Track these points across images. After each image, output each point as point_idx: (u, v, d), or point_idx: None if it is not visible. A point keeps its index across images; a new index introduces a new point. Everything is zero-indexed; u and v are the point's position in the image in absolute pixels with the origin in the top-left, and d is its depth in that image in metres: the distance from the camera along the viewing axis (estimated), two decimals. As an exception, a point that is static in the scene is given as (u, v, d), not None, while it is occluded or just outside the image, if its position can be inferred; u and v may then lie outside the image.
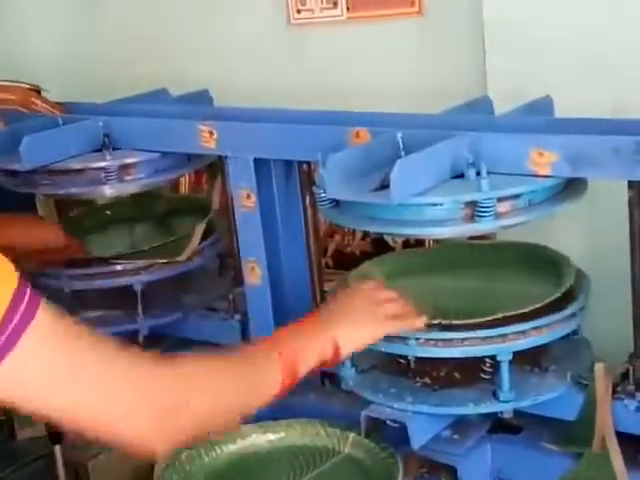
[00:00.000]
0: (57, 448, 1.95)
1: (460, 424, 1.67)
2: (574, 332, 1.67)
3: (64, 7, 2.87)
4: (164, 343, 2.17)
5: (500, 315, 1.55)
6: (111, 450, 1.83)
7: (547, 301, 1.57)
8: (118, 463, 2.02)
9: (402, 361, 1.70)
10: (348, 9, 2.33)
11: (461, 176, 1.53)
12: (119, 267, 2.00)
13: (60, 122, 2.02)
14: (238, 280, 1.99)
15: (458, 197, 1.47)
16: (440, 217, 1.49)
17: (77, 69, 2.85)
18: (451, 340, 1.55)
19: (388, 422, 1.60)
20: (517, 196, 1.49)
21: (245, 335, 1.99)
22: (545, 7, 1.94)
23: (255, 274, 1.88)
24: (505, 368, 1.56)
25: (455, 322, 1.56)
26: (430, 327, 1.56)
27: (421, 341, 1.57)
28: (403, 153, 1.56)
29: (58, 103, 2.17)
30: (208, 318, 2.08)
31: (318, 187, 1.56)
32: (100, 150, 1.95)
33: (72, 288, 2.03)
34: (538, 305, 1.56)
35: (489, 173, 1.47)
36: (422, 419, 1.59)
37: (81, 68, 2.84)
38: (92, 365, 1.16)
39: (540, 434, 1.65)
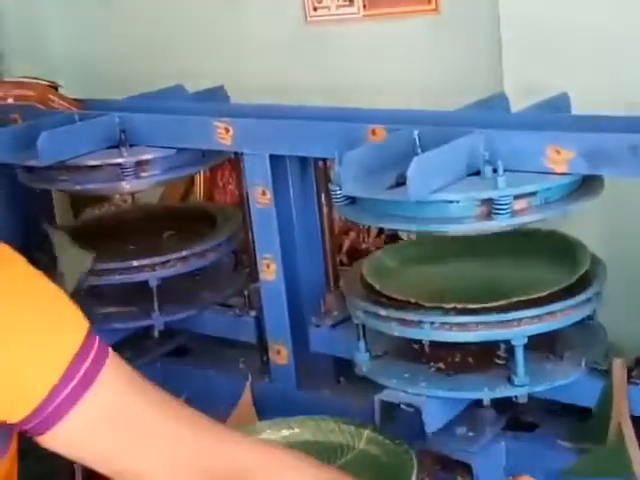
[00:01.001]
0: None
1: (475, 421, 1.67)
2: (589, 318, 1.67)
3: (81, 4, 2.88)
4: (179, 338, 2.19)
5: (515, 299, 1.54)
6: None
7: (562, 286, 1.57)
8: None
9: (416, 347, 1.69)
10: (364, 6, 2.32)
11: (477, 173, 1.52)
12: (135, 263, 2.00)
13: (77, 118, 2.02)
14: (253, 276, 2.00)
15: (474, 194, 1.47)
16: (456, 214, 1.49)
17: (93, 66, 2.86)
18: (466, 324, 1.55)
19: (402, 406, 1.59)
20: (533, 194, 1.49)
21: (260, 331, 1.99)
22: (561, 4, 1.94)
23: (270, 270, 1.88)
24: (520, 352, 1.55)
25: (470, 306, 1.55)
26: (445, 311, 1.56)
27: (436, 325, 1.56)
28: (419, 150, 1.55)
29: (75, 99, 2.17)
30: (223, 314, 2.08)
31: (334, 184, 1.56)
32: (116, 146, 1.95)
33: (88, 284, 2.03)
34: (553, 290, 1.56)
35: (505, 170, 1.47)
36: (436, 403, 1.59)
37: (97, 65, 2.85)
38: (151, 419, 1.15)
39: (555, 431, 1.65)
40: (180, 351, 2.20)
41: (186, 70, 2.44)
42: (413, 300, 1.59)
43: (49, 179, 1.98)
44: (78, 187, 1.97)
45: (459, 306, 1.56)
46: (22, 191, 2.13)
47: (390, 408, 1.62)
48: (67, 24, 2.90)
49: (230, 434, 1.27)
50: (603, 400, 1.56)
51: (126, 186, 1.95)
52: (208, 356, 2.16)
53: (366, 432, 1.67)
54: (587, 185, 1.55)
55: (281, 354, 1.92)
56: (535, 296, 1.55)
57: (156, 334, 2.05)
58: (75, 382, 1.08)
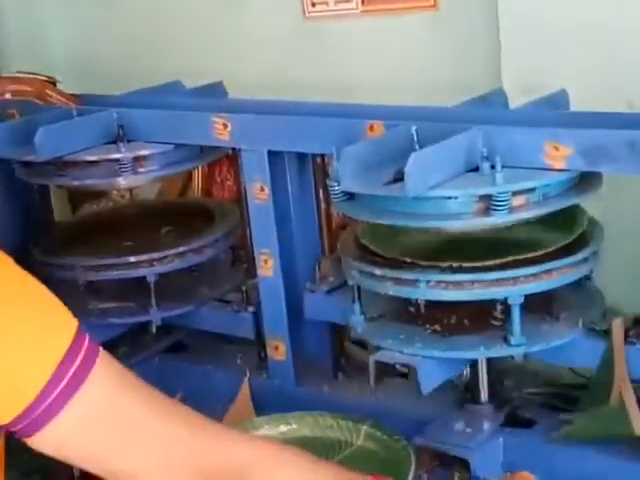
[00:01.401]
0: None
1: (473, 417, 1.67)
2: (587, 278, 1.66)
3: (80, 3, 2.88)
4: (176, 334, 2.19)
5: (511, 258, 1.53)
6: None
7: (559, 245, 1.56)
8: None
9: (412, 309, 1.68)
10: (363, 2, 2.32)
11: (476, 169, 1.52)
12: (132, 258, 2.00)
13: (75, 114, 2.02)
14: (251, 272, 2.00)
15: (473, 190, 1.47)
16: (454, 210, 1.49)
17: (92, 64, 2.86)
18: (461, 283, 1.53)
19: (397, 367, 1.58)
20: (532, 190, 1.49)
21: (258, 327, 1.99)
22: (560, 1, 1.94)
23: (268, 266, 1.88)
24: (516, 312, 1.54)
25: (466, 264, 1.54)
26: (440, 270, 1.54)
27: (431, 284, 1.54)
28: (417, 146, 1.55)
29: (73, 95, 2.17)
30: (221, 310, 2.08)
31: (332, 180, 1.56)
32: (114, 142, 1.95)
33: (86, 279, 2.03)
34: (550, 249, 1.55)
35: (503, 167, 1.47)
36: (432, 363, 1.58)
37: (96, 64, 2.85)
38: (142, 418, 1.14)
39: (553, 428, 1.65)
40: (178, 347, 2.20)
41: (185, 67, 2.43)
42: (409, 260, 1.57)
43: (47, 174, 1.97)
44: (76, 182, 1.97)
45: (455, 264, 1.54)
46: (20, 186, 2.13)
47: (385, 369, 1.60)
48: (66, 22, 2.90)
49: (226, 432, 1.26)
50: (604, 363, 1.56)
51: (124, 182, 1.95)
52: (206, 352, 2.16)
53: (364, 428, 1.67)
54: (585, 181, 1.55)
55: (279, 350, 1.92)
56: (532, 255, 1.54)
57: (154, 330, 2.05)
58: (65, 382, 1.07)
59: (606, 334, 1.57)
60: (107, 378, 1.12)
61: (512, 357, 1.59)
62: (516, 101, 1.77)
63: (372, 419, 1.67)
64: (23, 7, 2.86)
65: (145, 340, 2.14)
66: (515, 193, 1.47)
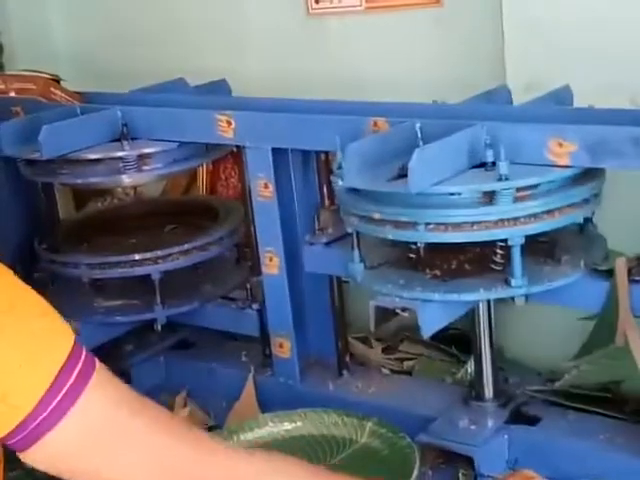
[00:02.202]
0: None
1: (477, 414, 1.67)
2: (588, 221, 1.64)
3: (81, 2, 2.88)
4: (181, 332, 2.19)
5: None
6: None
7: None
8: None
9: (412, 256, 1.65)
10: (366, -1, 2.32)
11: (479, 166, 1.52)
12: (137, 256, 2.00)
13: (79, 112, 2.02)
14: (256, 269, 2.00)
15: (476, 186, 1.47)
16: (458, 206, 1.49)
17: (95, 60, 2.85)
18: (461, 225, 1.50)
19: (397, 311, 1.56)
20: (535, 186, 1.49)
21: (262, 324, 1.99)
22: (564, -2, 1.94)
23: (273, 263, 1.88)
24: (517, 253, 1.51)
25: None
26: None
27: (431, 226, 1.51)
28: (421, 143, 1.55)
29: (77, 93, 2.17)
30: (225, 307, 2.08)
31: (336, 176, 1.56)
32: (118, 140, 1.95)
33: (90, 277, 2.03)
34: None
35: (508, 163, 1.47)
36: (433, 307, 1.56)
37: (99, 59, 2.84)
38: (137, 432, 1.12)
39: (557, 425, 1.65)
40: (183, 344, 2.21)
41: (189, 65, 2.43)
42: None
43: (51, 172, 1.98)
44: (80, 180, 1.97)
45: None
46: (24, 185, 2.13)
47: (385, 314, 1.58)
48: (70, 21, 2.89)
49: (223, 445, 1.24)
50: (608, 304, 1.54)
51: (128, 180, 1.95)
52: (210, 349, 2.16)
53: (369, 425, 1.67)
54: (589, 177, 1.55)
55: (284, 347, 1.93)
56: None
57: (159, 327, 2.05)
58: (61, 395, 1.05)
59: (609, 274, 1.55)
60: (103, 391, 1.10)
61: (513, 299, 1.55)
62: (520, 97, 1.77)
63: (377, 416, 1.67)
64: (27, 5, 2.86)
65: (150, 338, 2.15)
66: (519, 189, 1.47)
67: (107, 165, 1.93)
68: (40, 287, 1.14)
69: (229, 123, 1.83)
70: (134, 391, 1.15)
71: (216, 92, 2.15)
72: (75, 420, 1.06)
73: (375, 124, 1.66)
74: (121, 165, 1.92)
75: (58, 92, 2.14)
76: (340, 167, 1.51)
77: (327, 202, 1.90)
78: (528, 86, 1.86)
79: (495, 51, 2.05)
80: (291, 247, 1.88)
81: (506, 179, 1.45)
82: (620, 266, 1.52)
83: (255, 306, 2.02)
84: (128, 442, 1.12)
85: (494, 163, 1.48)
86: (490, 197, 1.47)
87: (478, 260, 1.63)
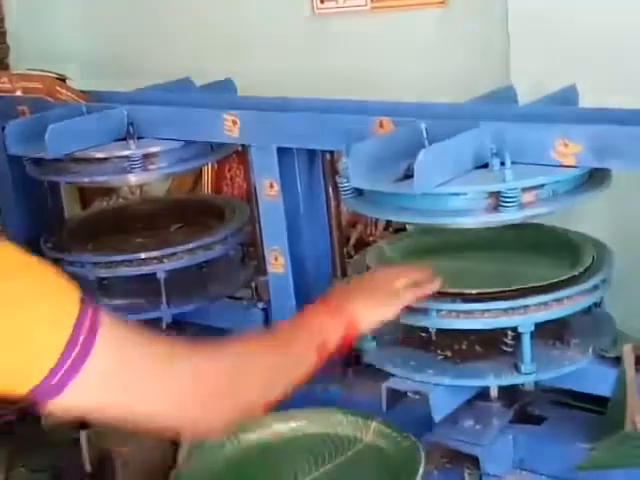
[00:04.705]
0: (83, 434, 1.95)
1: (483, 414, 1.67)
2: (596, 305, 1.67)
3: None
4: (187, 331, 2.19)
5: (521, 287, 1.54)
6: (137, 436, 1.83)
7: (569, 275, 1.57)
8: (145, 449, 2.02)
9: (423, 334, 1.69)
10: (372, -1, 2.33)
11: (485, 166, 1.52)
12: (143, 255, 2.01)
13: (85, 111, 2.03)
14: (261, 269, 2.00)
15: (482, 187, 1.47)
16: (464, 207, 1.49)
17: (101, 59, 2.86)
18: (472, 312, 1.56)
19: (409, 394, 1.60)
20: (541, 186, 1.49)
21: (268, 323, 1.99)
22: (570, -2, 1.94)
23: (278, 263, 1.88)
24: (527, 340, 1.55)
25: (476, 291, 1.55)
26: (452, 297, 1.56)
27: (442, 313, 1.57)
28: (427, 143, 1.55)
29: (83, 92, 2.17)
30: (231, 306, 2.09)
31: (341, 176, 1.56)
32: (124, 139, 1.95)
33: (96, 276, 2.03)
34: (560, 278, 1.56)
35: (513, 163, 1.47)
36: (443, 390, 1.59)
37: (105, 58, 2.85)
38: (146, 365, 1.20)
39: (563, 424, 1.65)
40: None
41: (194, 65, 2.43)
42: None
43: (57, 171, 1.98)
44: (86, 179, 1.98)
45: (466, 291, 1.56)
46: (31, 183, 2.14)
47: (397, 395, 1.62)
48: (77, 20, 2.91)
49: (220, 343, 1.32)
50: (617, 389, 1.55)
51: (134, 178, 1.96)
52: (216, 348, 2.16)
53: (374, 424, 1.67)
54: (595, 178, 1.55)
55: (289, 346, 1.92)
56: (542, 283, 1.55)
57: (164, 326, 2.05)
58: (80, 343, 1.11)
59: (617, 361, 1.57)
60: (113, 332, 1.16)
61: (523, 384, 1.60)
62: (525, 97, 1.77)
63: (381, 415, 1.67)
64: (34, 5, 2.87)
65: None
66: (524, 190, 1.47)
67: (113, 164, 1.93)
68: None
69: (235, 122, 1.83)
70: (136, 326, 1.22)
71: (222, 91, 2.15)
72: (95, 363, 1.12)
73: (380, 124, 1.66)
74: (127, 164, 1.92)
75: (64, 91, 2.14)
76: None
77: (333, 202, 1.90)
78: (533, 86, 1.86)
79: (500, 51, 2.05)
80: (296, 246, 1.88)
81: (511, 180, 1.45)
82: (627, 353, 1.53)
83: (260, 305, 2.02)
84: (145, 374, 1.19)
85: (502, 163, 1.48)
86: (496, 199, 1.47)
87: (488, 341, 1.66)
